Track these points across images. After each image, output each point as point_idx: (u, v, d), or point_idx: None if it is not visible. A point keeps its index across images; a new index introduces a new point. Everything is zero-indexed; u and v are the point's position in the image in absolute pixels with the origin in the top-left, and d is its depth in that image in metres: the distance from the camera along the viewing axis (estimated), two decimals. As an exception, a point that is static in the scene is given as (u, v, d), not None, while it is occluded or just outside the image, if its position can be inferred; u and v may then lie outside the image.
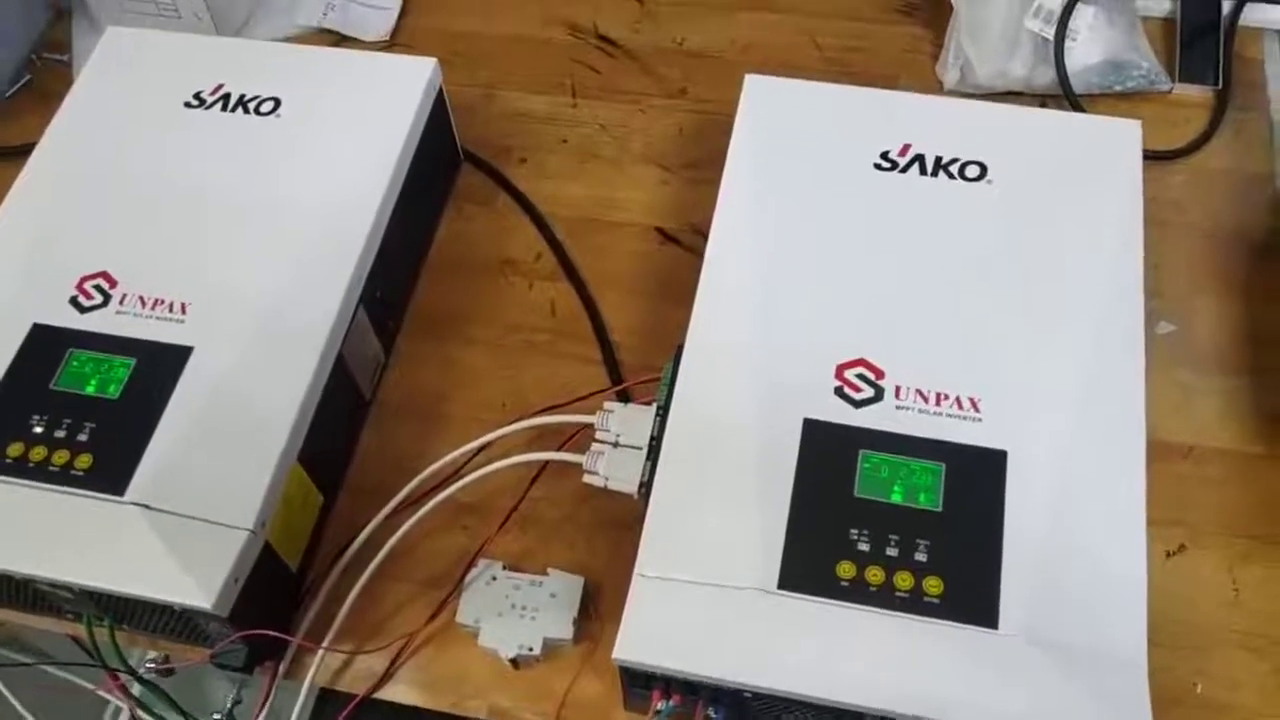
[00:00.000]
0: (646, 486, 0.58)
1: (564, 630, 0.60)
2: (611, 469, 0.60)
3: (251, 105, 0.72)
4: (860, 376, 0.58)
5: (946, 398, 0.58)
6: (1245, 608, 0.62)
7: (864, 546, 0.53)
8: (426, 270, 0.77)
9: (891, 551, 0.53)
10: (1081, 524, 0.54)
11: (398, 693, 0.62)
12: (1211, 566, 0.63)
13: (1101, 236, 0.63)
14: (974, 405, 0.57)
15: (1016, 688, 0.50)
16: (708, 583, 0.53)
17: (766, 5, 0.90)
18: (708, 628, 0.52)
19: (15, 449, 0.58)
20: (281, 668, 0.62)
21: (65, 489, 0.57)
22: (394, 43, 0.89)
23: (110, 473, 0.57)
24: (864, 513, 0.54)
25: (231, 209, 0.67)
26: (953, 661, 0.51)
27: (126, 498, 0.56)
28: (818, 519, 0.54)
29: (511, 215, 0.79)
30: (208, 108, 0.72)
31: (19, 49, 0.90)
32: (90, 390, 0.60)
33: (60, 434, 0.58)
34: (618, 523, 0.64)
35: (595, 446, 0.61)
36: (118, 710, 1.07)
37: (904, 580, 0.52)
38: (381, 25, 0.90)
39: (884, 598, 0.52)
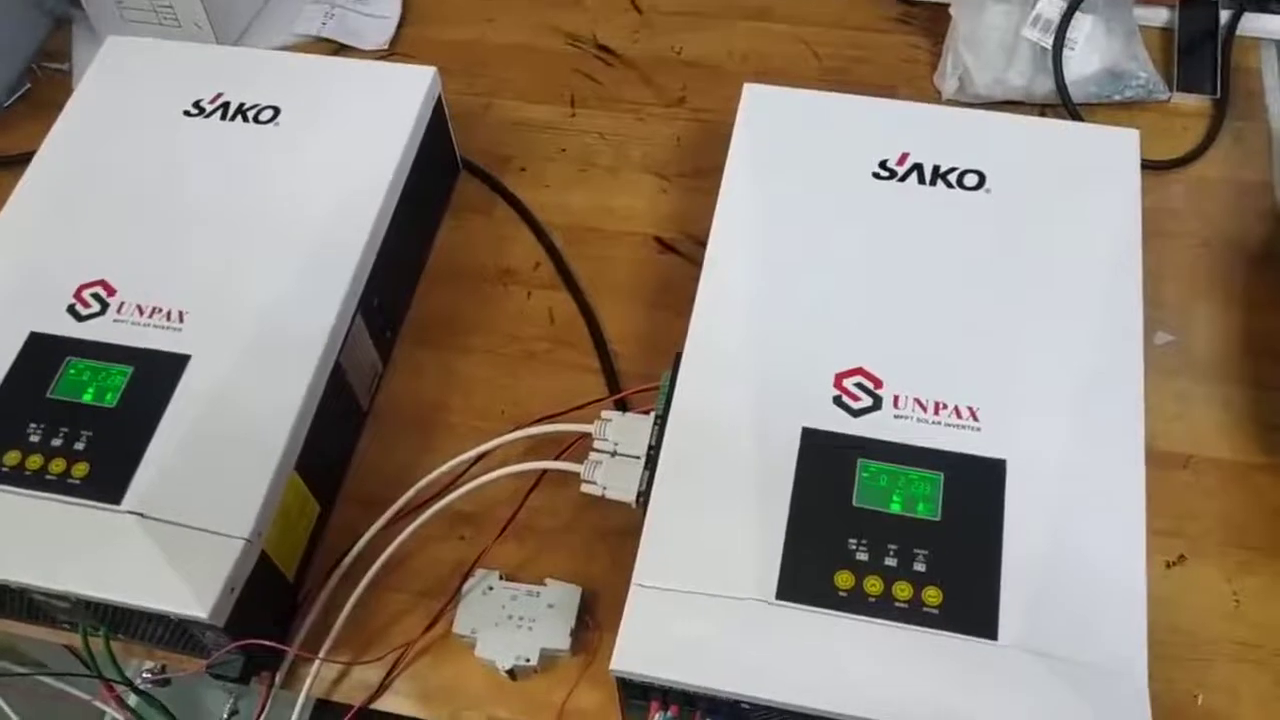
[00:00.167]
0: (644, 496, 0.58)
1: (561, 641, 0.60)
2: (609, 478, 0.60)
3: (250, 114, 0.72)
4: (859, 385, 0.58)
5: (945, 407, 0.57)
6: (1246, 619, 0.62)
7: (862, 556, 0.53)
8: (425, 279, 0.77)
9: (890, 561, 0.53)
10: (1081, 534, 0.54)
11: (394, 704, 0.62)
12: (1211, 577, 0.63)
13: (1099, 246, 0.63)
14: (973, 414, 0.57)
15: (1016, 698, 0.50)
16: (706, 593, 0.53)
17: (765, 15, 0.90)
18: (706, 638, 0.52)
19: (12, 457, 0.58)
20: (278, 678, 0.61)
21: (61, 498, 0.57)
22: (393, 52, 0.90)
23: (107, 482, 0.57)
24: (862, 522, 0.54)
25: (230, 217, 0.67)
26: (951, 672, 0.50)
27: (123, 507, 0.56)
28: (816, 528, 0.54)
29: (510, 224, 0.79)
30: (207, 116, 0.72)
31: (19, 58, 0.90)
32: (87, 399, 0.60)
33: (57, 442, 0.58)
34: (615, 532, 0.63)
35: (593, 456, 0.61)
36: (114, 720, 1.06)
37: (903, 590, 0.52)
38: (380, 34, 0.90)
39: (883, 608, 0.52)
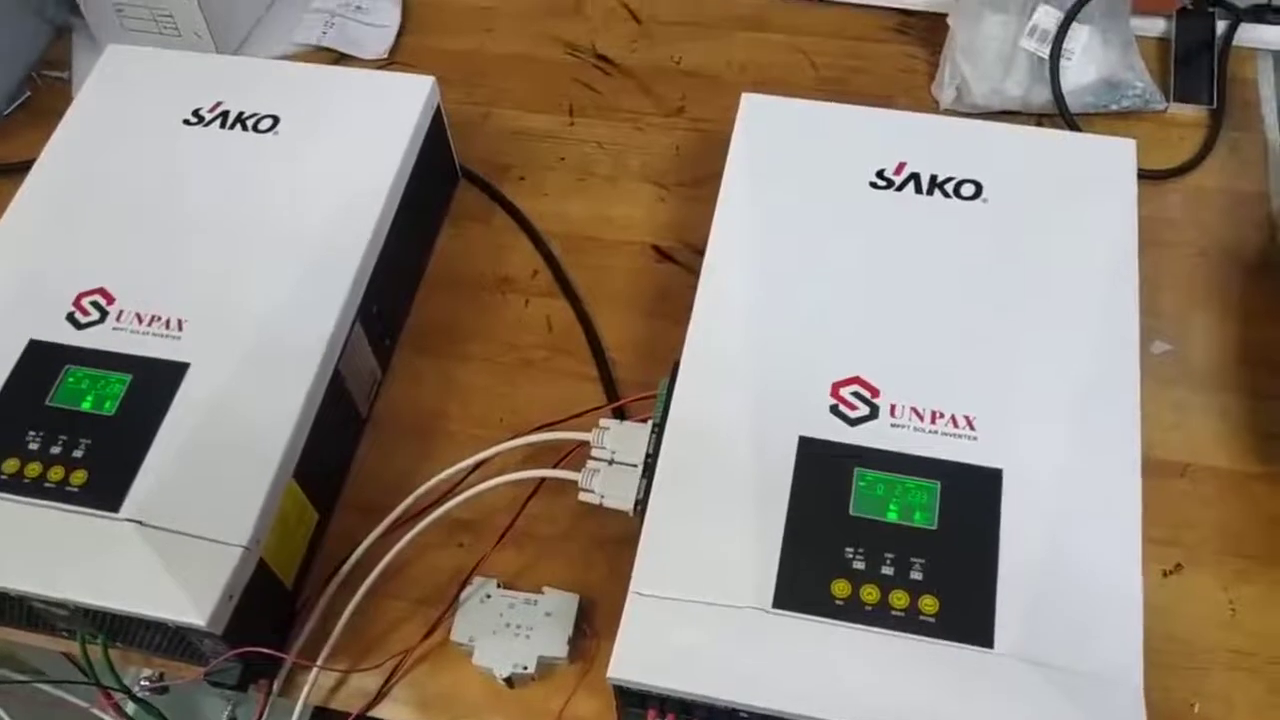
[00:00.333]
0: (642, 504, 0.58)
1: (559, 649, 0.60)
2: (607, 486, 0.60)
3: (250, 123, 0.72)
4: (855, 394, 0.59)
5: (942, 416, 0.58)
6: (1242, 628, 0.62)
7: (859, 565, 0.53)
8: (424, 287, 0.77)
9: (887, 570, 0.53)
10: (1077, 543, 0.54)
11: (392, 711, 0.62)
12: (1208, 586, 0.63)
13: (1096, 255, 0.63)
14: (969, 424, 0.57)
15: (1012, 707, 0.50)
16: (703, 601, 0.53)
17: (763, 25, 0.91)
18: (703, 647, 0.52)
19: (10, 465, 0.58)
20: (276, 686, 0.61)
21: (60, 505, 0.57)
22: (393, 61, 0.90)
23: (105, 489, 0.57)
24: (859, 531, 0.54)
25: (229, 225, 0.67)
26: (948, 681, 0.50)
27: (121, 514, 0.56)
28: (813, 537, 0.54)
29: (509, 233, 0.80)
30: (206, 125, 0.72)
31: (19, 66, 0.90)
32: (86, 406, 0.60)
33: (56, 450, 0.58)
34: (613, 540, 0.63)
35: (591, 464, 0.61)
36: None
37: (899, 599, 0.52)
38: (380, 43, 0.90)
39: (879, 617, 0.52)
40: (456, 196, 0.82)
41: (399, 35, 0.91)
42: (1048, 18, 0.82)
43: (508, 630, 0.61)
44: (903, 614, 0.52)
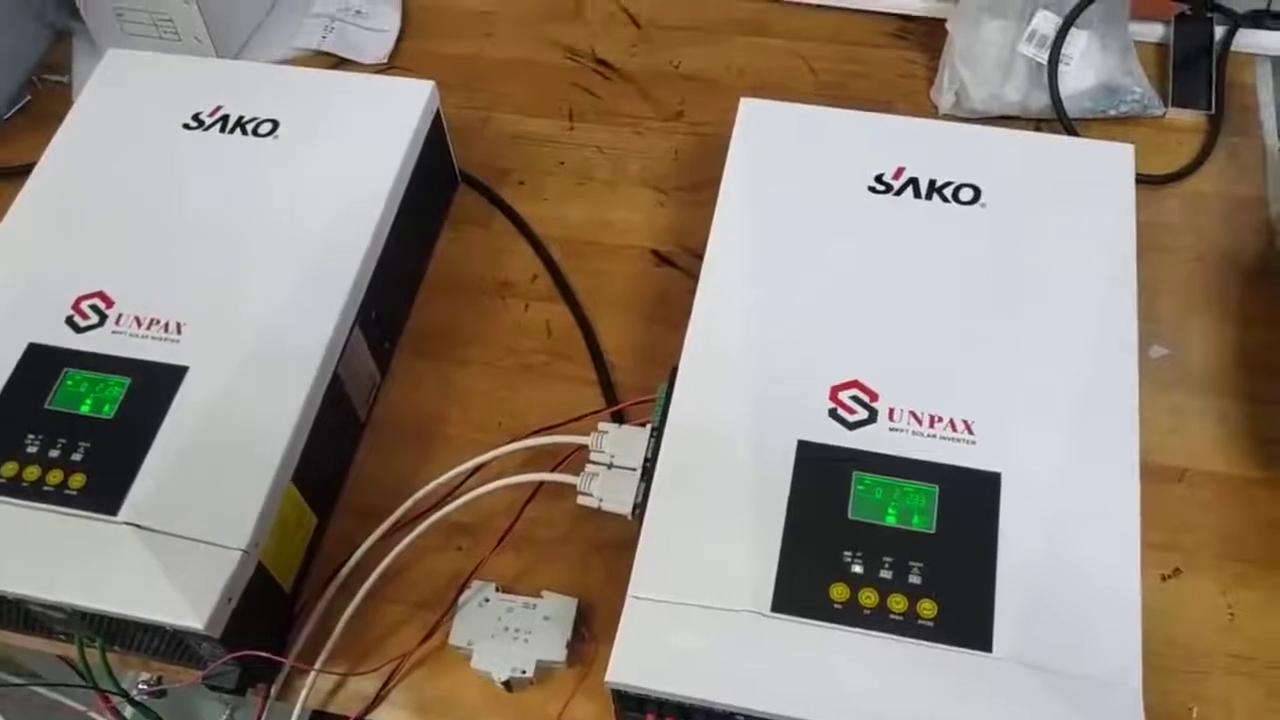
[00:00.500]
0: (640, 508, 0.58)
1: (557, 653, 0.60)
2: (605, 490, 0.60)
3: (250, 127, 0.72)
4: (854, 398, 0.59)
5: (940, 420, 0.58)
6: (1241, 632, 0.62)
7: (858, 569, 0.53)
8: (423, 291, 0.77)
9: (885, 574, 0.53)
10: (1076, 547, 0.54)
11: (390, 715, 0.62)
12: (1207, 590, 0.63)
13: (1095, 260, 0.63)
14: (968, 427, 0.57)
15: (1010, 711, 0.50)
16: (701, 605, 0.53)
17: (762, 30, 0.91)
18: (701, 650, 0.52)
19: (9, 468, 0.58)
20: (274, 689, 0.61)
21: (58, 509, 0.57)
22: (392, 65, 0.90)
23: (103, 492, 0.57)
24: (858, 535, 0.54)
25: (228, 229, 0.67)
26: (946, 684, 0.50)
27: (120, 518, 0.56)
28: (811, 541, 0.54)
29: (508, 237, 0.80)
30: (206, 129, 0.72)
31: (19, 70, 0.91)
32: (85, 410, 0.60)
33: (54, 453, 0.58)
34: (612, 544, 0.63)
35: (589, 468, 0.61)
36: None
37: (898, 603, 0.52)
38: (380, 48, 0.91)
39: (878, 620, 0.52)
40: (456, 201, 0.82)
41: (399, 40, 0.91)
42: (1046, 23, 0.82)
43: (506, 634, 0.61)
44: (901, 618, 0.52)
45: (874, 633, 0.52)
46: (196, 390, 0.60)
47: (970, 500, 0.55)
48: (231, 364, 0.61)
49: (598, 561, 0.64)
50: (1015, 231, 0.65)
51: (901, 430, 0.57)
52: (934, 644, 0.51)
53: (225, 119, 0.72)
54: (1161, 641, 0.60)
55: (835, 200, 0.67)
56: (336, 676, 0.62)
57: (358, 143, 0.71)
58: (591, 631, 0.62)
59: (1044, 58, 0.82)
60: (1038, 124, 0.83)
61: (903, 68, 0.88)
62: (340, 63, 0.90)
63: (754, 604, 0.53)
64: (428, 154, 0.74)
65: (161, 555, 0.55)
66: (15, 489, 0.57)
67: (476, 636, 0.61)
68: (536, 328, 0.75)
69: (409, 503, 0.64)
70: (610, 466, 0.61)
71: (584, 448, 0.62)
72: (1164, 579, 0.63)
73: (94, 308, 0.64)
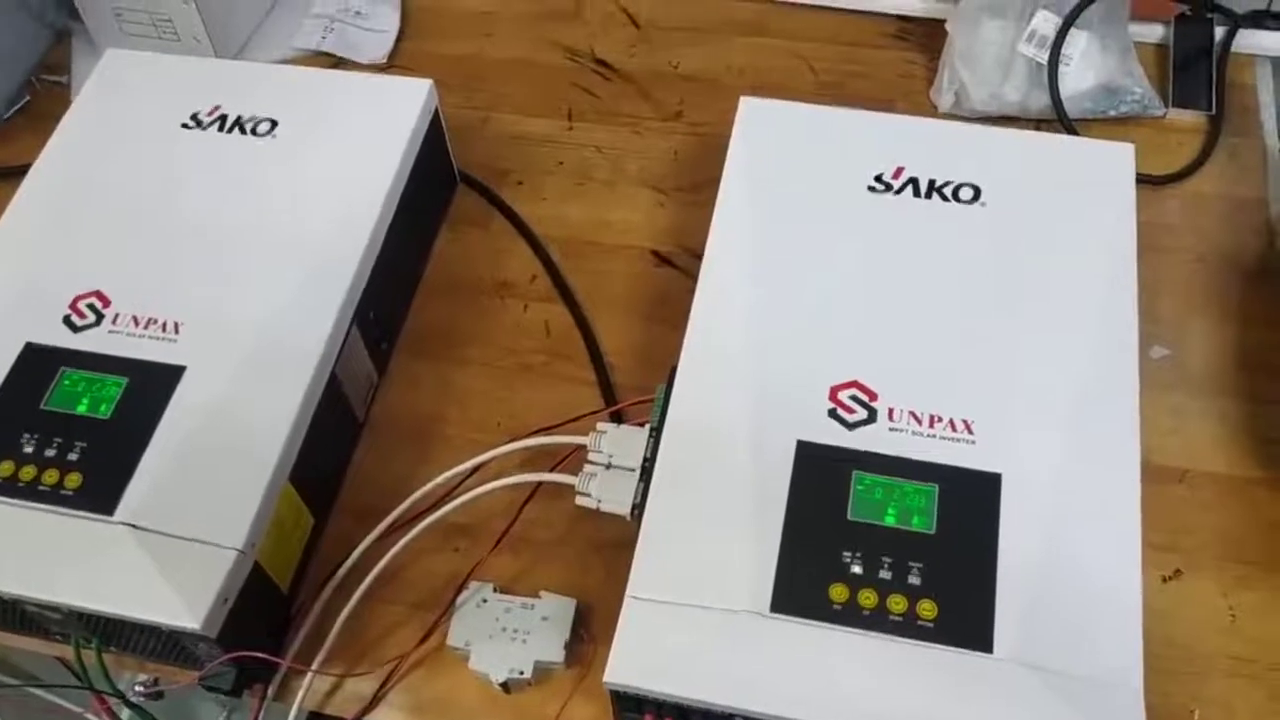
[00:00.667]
0: (639, 508, 0.58)
1: (555, 653, 0.60)
2: (604, 490, 0.60)
3: (248, 127, 0.72)
4: (854, 398, 0.58)
5: (940, 420, 0.57)
6: (1242, 634, 0.61)
7: (857, 569, 0.53)
8: (421, 291, 0.77)
9: (885, 574, 0.53)
10: (1076, 547, 0.54)
11: (387, 716, 0.61)
12: (1208, 591, 0.63)
13: (1095, 260, 0.63)
14: (967, 427, 0.57)
15: (1011, 712, 0.50)
16: (700, 605, 0.53)
17: (761, 29, 0.91)
18: (700, 651, 0.52)
19: (5, 468, 0.58)
20: (270, 690, 0.61)
21: (55, 509, 0.56)
22: (391, 65, 0.90)
23: (100, 492, 0.57)
24: (857, 535, 0.54)
25: (226, 229, 0.67)
26: (946, 685, 0.50)
27: (116, 518, 0.56)
28: (811, 541, 0.54)
29: (507, 237, 0.80)
30: (205, 129, 0.72)
31: (18, 70, 0.90)
32: (82, 410, 0.59)
33: (50, 453, 0.58)
34: (610, 544, 0.63)
35: (588, 468, 0.61)
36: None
37: (897, 603, 0.52)
38: (379, 48, 0.91)
39: (877, 621, 0.52)
40: (455, 201, 0.82)
41: (398, 40, 0.91)
42: (1046, 23, 0.82)
43: (504, 635, 0.61)
44: (901, 618, 0.52)
45: (873, 633, 0.51)
46: (194, 390, 0.60)
47: (970, 500, 0.55)
48: (229, 364, 0.61)
49: (596, 562, 0.64)
50: (1015, 231, 0.65)
51: (901, 430, 0.57)
52: (934, 645, 0.51)
53: (224, 119, 0.72)
54: (1162, 643, 0.59)
55: (835, 200, 0.67)
56: (334, 677, 0.62)
57: (356, 143, 0.71)
58: (590, 632, 0.62)
59: (1044, 58, 0.82)
60: (1038, 124, 0.83)
61: (902, 68, 0.88)
62: (339, 63, 0.90)
63: (753, 604, 0.52)
64: (426, 154, 0.74)
65: (158, 555, 0.55)
66: (11, 489, 0.57)
67: (474, 637, 0.61)
68: (535, 328, 0.75)
69: (407, 503, 0.64)
70: (609, 467, 0.61)
71: (583, 448, 0.62)
72: (1165, 580, 0.63)
73: (91, 307, 0.63)
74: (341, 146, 0.71)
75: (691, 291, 0.63)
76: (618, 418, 0.68)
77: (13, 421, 0.59)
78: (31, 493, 0.57)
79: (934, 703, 0.50)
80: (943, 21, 0.84)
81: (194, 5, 0.85)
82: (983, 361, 0.60)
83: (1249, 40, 0.86)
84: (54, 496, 0.57)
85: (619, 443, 0.61)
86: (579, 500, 0.60)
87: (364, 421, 0.71)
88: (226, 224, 0.67)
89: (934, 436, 0.57)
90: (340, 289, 0.64)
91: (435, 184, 0.79)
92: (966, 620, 0.52)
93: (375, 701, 0.61)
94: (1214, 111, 0.83)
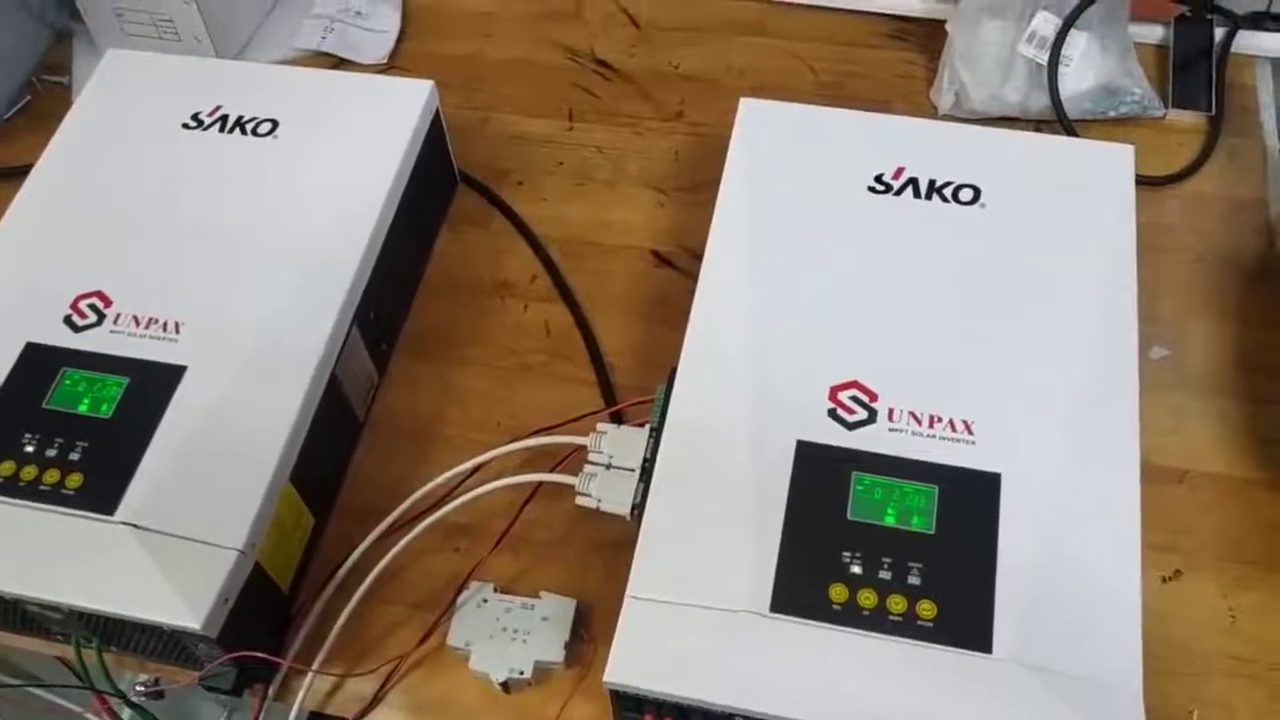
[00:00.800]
0: (639, 508, 0.58)
1: (555, 653, 0.60)
2: (604, 491, 0.60)
3: (249, 127, 0.72)
4: (854, 398, 0.58)
5: (940, 420, 0.57)
6: (1242, 634, 0.62)
7: (857, 569, 0.53)
8: (422, 291, 0.77)
9: (884, 574, 0.53)
10: (1076, 548, 0.54)
11: (387, 716, 0.61)
12: (1207, 592, 0.63)
13: (1094, 261, 0.63)
14: (967, 428, 0.57)
15: (1010, 712, 0.50)
16: (700, 605, 0.53)
17: (762, 30, 0.91)
18: (700, 651, 0.52)
19: (6, 468, 0.58)
20: (271, 690, 0.61)
21: (56, 508, 0.56)
22: (392, 65, 0.90)
23: (101, 492, 0.57)
24: (857, 535, 0.54)
25: (227, 229, 0.67)
26: (946, 685, 0.50)
27: (116, 517, 0.56)
28: (810, 541, 0.54)
29: (507, 237, 0.80)
30: (205, 129, 0.72)
31: (19, 71, 0.91)
32: (83, 409, 0.60)
33: (51, 453, 0.58)
34: (610, 544, 0.63)
35: (588, 468, 0.61)
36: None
37: (897, 604, 0.52)
38: (380, 48, 0.91)
39: (877, 621, 0.52)
40: (455, 201, 0.82)
41: (398, 40, 0.91)
42: (1046, 24, 0.82)
43: (504, 635, 0.61)
44: (900, 619, 0.52)
45: (873, 633, 0.52)
46: (194, 390, 0.60)
47: (970, 501, 0.55)
48: (230, 364, 0.61)
49: (596, 562, 0.64)
50: (1015, 232, 0.65)
51: (901, 430, 0.57)
52: (933, 645, 0.51)
53: (224, 119, 0.72)
54: (1162, 643, 0.59)
55: (835, 200, 0.67)
56: (334, 677, 0.62)
57: (357, 143, 0.71)
58: (590, 632, 0.62)
59: (1044, 59, 0.82)
60: (1037, 125, 0.83)
61: (902, 68, 0.88)
62: (340, 63, 0.90)
63: (753, 604, 0.52)
64: (427, 154, 0.74)
65: (158, 555, 0.55)
66: (12, 488, 0.57)
67: (474, 637, 0.61)
68: (535, 328, 0.75)
69: (407, 503, 0.64)
70: (609, 467, 0.61)
71: (583, 448, 0.62)
72: (1164, 580, 0.63)
73: (92, 307, 0.64)
74: (342, 147, 0.71)
75: (692, 292, 0.63)
76: (618, 418, 0.68)
77: (14, 421, 0.59)
78: (33, 492, 0.57)
79: (933, 703, 0.50)
80: (942, 22, 0.85)
81: (195, 5, 0.85)
82: (982, 362, 0.60)
83: (1249, 41, 0.86)
84: (55, 496, 0.57)
85: (619, 443, 0.61)
86: (579, 500, 0.60)
87: (364, 421, 0.71)
88: (227, 224, 0.67)
89: (934, 437, 0.57)
90: (341, 289, 0.64)
91: (436, 184, 0.79)
92: (966, 620, 0.52)
93: (375, 701, 0.61)
94: (1214, 112, 0.83)
